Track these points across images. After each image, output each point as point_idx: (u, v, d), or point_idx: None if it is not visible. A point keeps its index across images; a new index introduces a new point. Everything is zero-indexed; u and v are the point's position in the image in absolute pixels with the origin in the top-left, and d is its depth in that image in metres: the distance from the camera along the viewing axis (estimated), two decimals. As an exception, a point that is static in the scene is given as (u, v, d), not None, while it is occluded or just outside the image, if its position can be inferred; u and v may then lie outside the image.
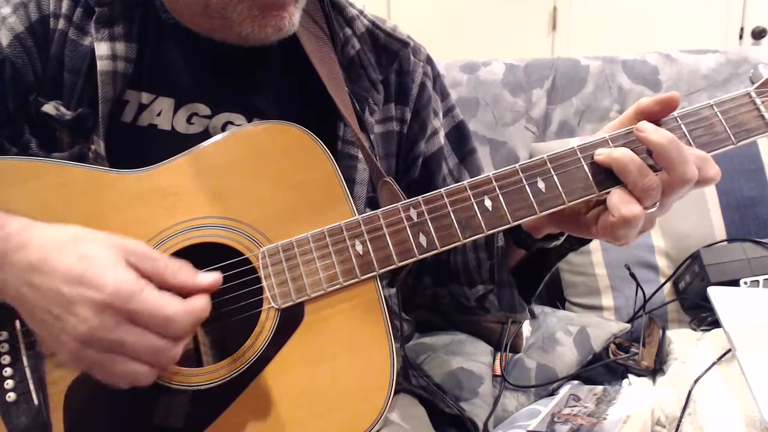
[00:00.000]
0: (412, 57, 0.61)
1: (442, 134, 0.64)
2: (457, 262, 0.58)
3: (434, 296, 0.64)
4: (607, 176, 0.44)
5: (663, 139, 0.41)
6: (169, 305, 0.37)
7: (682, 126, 0.44)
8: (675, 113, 0.45)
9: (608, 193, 0.44)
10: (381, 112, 0.59)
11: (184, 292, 0.39)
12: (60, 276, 0.37)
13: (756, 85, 0.45)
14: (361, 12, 0.60)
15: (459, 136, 0.65)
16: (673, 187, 0.42)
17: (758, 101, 0.44)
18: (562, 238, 0.51)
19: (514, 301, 0.54)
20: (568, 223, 0.48)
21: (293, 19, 0.51)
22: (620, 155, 0.43)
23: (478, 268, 0.55)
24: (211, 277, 0.40)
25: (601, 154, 0.44)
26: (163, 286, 0.39)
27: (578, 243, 0.52)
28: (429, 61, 0.63)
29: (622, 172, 0.42)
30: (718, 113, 0.44)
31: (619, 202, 0.42)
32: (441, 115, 0.64)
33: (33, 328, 0.40)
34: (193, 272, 0.41)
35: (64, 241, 0.39)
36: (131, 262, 0.39)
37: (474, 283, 0.57)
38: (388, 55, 0.59)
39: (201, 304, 0.39)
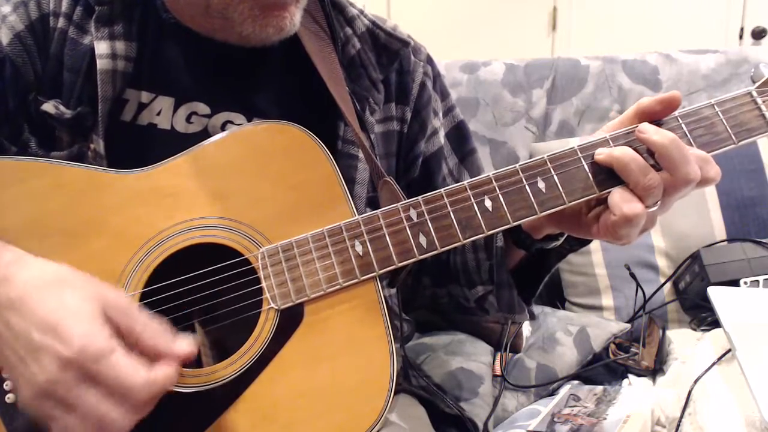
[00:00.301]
0: (412, 56, 0.61)
1: (442, 134, 0.63)
2: (456, 263, 0.58)
3: (433, 296, 0.64)
4: (607, 176, 0.44)
5: (665, 140, 0.41)
6: (133, 374, 0.36)
7: (683, 126, 0.44)
8: (676, 113, 0.45)
9: (609, 192, 0.43)
10: (381, 111, 0.59)
11: (156, 357, 0.38)
12: (34, 320, 0.36)
13: (757, 84, 0.45)
14: (361, 11, 0.60)
15: (459, 136, 0.65)
16: (676, 187, 0.42)
17: (759, 101, 0.44)
18: (562, 239, 0.51)
19: (513, 302, 0.53)
20: (568, 224, 0.48)
21: (294, 19, 0.50)
22: (621, 154, 0.42)
23: (478, 268, 0.55)
24: (185, 347, 0.39)
25: (602, 154, 0.44)
26: (137, 347, 0.38)
27: (578, 244, 0.52)
28: (429, 60, 0.63)
29: (623, 171, 0.42)
30: (719, 113, 0.44)
31: (621, 200, 0.42)
32: (441, 114, 0.64)
33: (1, 363, 0.39)
34: (168, 337, 0.39)
35: (48, 283, 0.38)
36: (109, 316, 0.37)
37: (473, 284, 0.57)
38: (388, 55, 0.59)
39: (166, 374, 0.37)
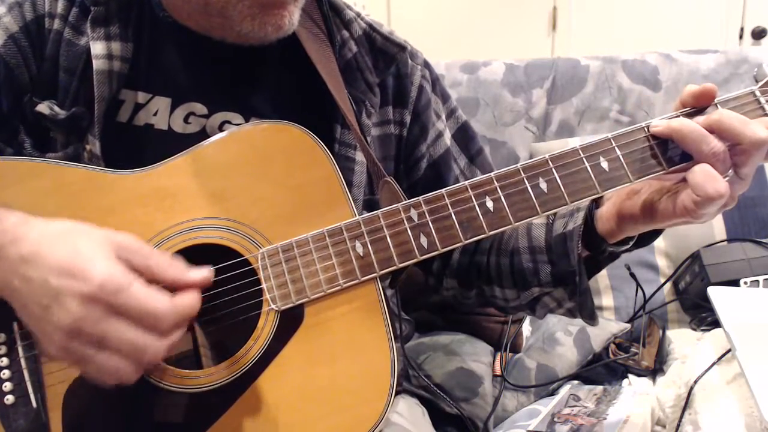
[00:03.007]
0: (409, 60, 0.61)
1: (447, 136, 0.63)
2: (500, 265, 0.57)
3: (457, 297, 0.64)
4: (609, 176, 0.44)
5: (717, 116, 0.41)
6: (157, 300, 0.37)
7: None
8: (676, 113, 0.45)
9: (606, 194, 0.44)
10: (378, 115, 0.59)
11: (175, 288, 0.39)
12: (50, 268, 0.37)
13: (760, 83, 0.45)
14: (359, 14, 0.60)
15: (465, 136, 0.65)
16: (749, 153, 0.41)
17: (762, 100, 0.44)
18: (632, 243, 0.50)
19: (594, 309, 0.52)
20: (643, 219, 0.46)
21: (293, 18, 0.50)
22: (679, 125, 0.42)
23: (535, 271, 0.53)
24: (201, 273, 0.40)
25: (659, 126, 0.43)
26: (153, 281, 0.38)
27: (635, 245, 0.51)
28: (426, 64, 0.63)
29: (683, 141, 0.42)
30: (722, 112, 0.44)
31: (703, 178, 0.40)
32: (444, 117, 0.64)
33: (25, 322, 0.40)
34: (183, 268, 0.40)
35: (57, 235, 0.39)
36: (122, 257, 0.38)
37: (528, 286, 0.55)
38: (385, 59, 0.59)
39: (189, 300, 0.39)
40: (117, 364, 0.37)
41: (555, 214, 0.53)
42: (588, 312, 0.52)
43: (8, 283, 0.39)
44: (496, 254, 0.57)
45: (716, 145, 0.41)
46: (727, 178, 0.42)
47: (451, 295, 0.64)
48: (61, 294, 0.36)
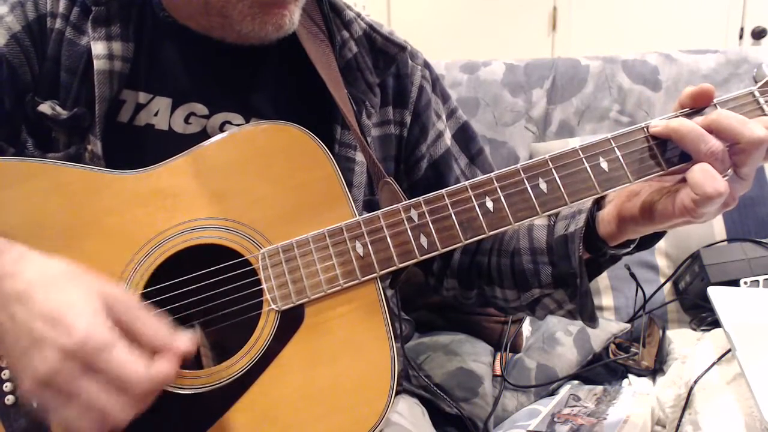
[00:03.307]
0: (410, 60, 0.61)
1: (447, 136, 0.63)
2: (500, 265, 0.57)
3: (457, 297, 0.64)
4: (608, 177, 0.44)
5: (715, 116, 0.42)
6: (134, 367, 0.36)
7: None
8: (675, 113, 0.45)
9: (608, 193, 0.44)
10: (378, 115, 0.59)
11: (156, 352, 0.38)
12: (37, 312, 0.37)
13: (759, 84, 0.45)
14: (359, 15, 0.60)
15: (465, 136, 0.65)
16: (747, 152, 0.41)
17: (761, 100, 0.44)
18: (633, 246, 0.50)
19: (594, 311, 0.52)
20: (643, 220, 0.46)
21: (293, 17, 0.50)
22: (678, 125, 0.42)
23: (536, 272, 0.53)
24: (186, 341, 0.39)
25: (658, 126, 0.43)
26: (137, 342, 0.38)
27: (636, 248, 0.51)
28: (427, 65, 0.63)
29: (682, 141, 0.42)
30: (722, 112, 0.44)
31: (702, 177, 0.40)
32: (444, 117, 0.64)
33: (3, 354, 0.40)
34: (168, 333, 0.39)
35: (52, 278, 0.39)
36: (111, 311, 0.38)
37: (528, 287, 0.55)
38: (385, 59, 0.59)
39: (166, 370, 0.38)
40: (80, 423, 0.36)
41: (557, 215, 0.52)
42: (588, 314, 0.52)
43: None
44: (497, 255, 0.57)
45: (714, 144, 0.41)
46: (726, 178, 0.42)
47: (452, 295, 0.64)
48: (43, 341, 0.36)
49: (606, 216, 0.48)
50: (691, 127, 0.42)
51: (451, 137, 0.64)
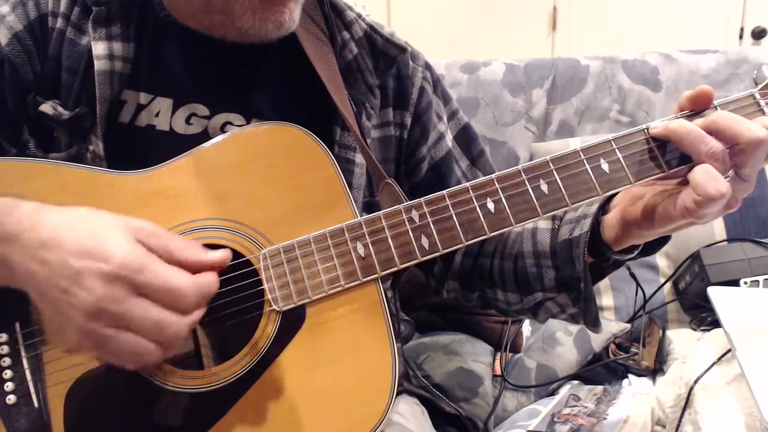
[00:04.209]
0: (410, 62, 0.61)
1: (449, 137, 0.63)
2: (503, 268, 0.57)
3: (459, 299, 0.64)
4: (609, 178, 0.44)
5: (714, 117, 0.42)
6: (178, 278, 0.37)
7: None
8: (678, 114, 0.45)
9: (613, 193, 0.43)
10: (378, 116, 0.59)
11: (192, 269, 0.39)
12: (69, 250, 0.37)
13: (760, 86, 0.45)
14: (359, 15, 0.60)
15: (467, 138, 0.65)
16: (747, 152, 0.41)
17: (762, 102, 0.44)
18: (637, 251, 0.50)
19: (598, 316, 0.52)
20: (646, 224, 0.46)
21: (294, 15, 0.50)
22: (677, 126, 0.42)
23: (539, 276, 0.53)
24: (219, 254, 0.40)
25: (657, 127, 0.44)
26: (171, 262, 0.39)
27: (641, 253, 0.51)
28: (428, 66, 0.63)
29: (681, 142, 0.42)
30: (722, 114, 0.44)
31: (705, 178, 0.40)
32: (446, 118, 0.64)
33: (42, 308, 0.40)
34: (200, 249, 0.40)
35: (75, 219, 0.39)
36: (140, 239, 0.38)
37: (531, 291, 0.54)
38: (385, 60, 0.59)
39: (209, 278, 0.39)
40: (140, 344, 0.37)
41: (561, 219, 0.52)
42: (592, 319, 0.52)
43: (26, 269, 0.38)
44: (500, 258, 0.57)
45: (714, 145, 0.41)
46: (728, 179, 0.42)
47: (453, 297, 0.64)
48: (82, 274, 0.36)
49: (610, 220, 0.48)
50: (690, 128, 0.42)
51: (452, 139, 0.64)
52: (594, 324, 0.52)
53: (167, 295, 0.37)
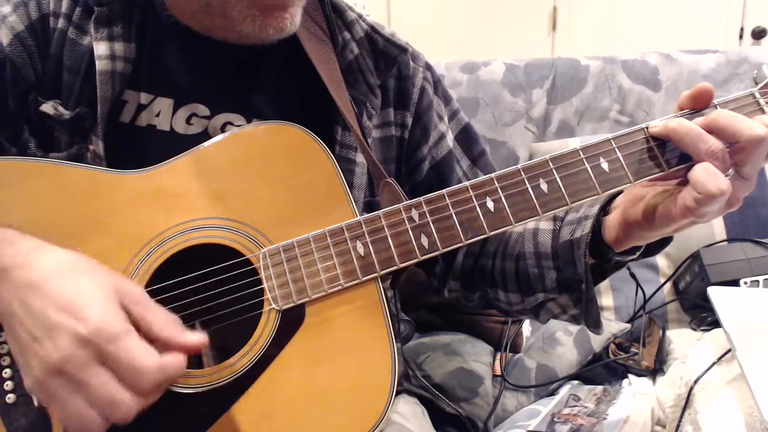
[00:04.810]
0: (411, 62, 0.61)
1: (449, 137, 0.63)
2: (505, 269, 0.57)
3: (459, 299, 0.64)
4: (609, 177, 0.44)
5: (714, 115, 0.42)
6: (145, 358, 0.36)
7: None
8: (675, 114, 0.45)
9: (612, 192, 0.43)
10: (379, 117, 0.59)
11: (167, 347, 0.39)
12: (52, 301, 0.37)
13: (760, 85, 0.45)
14: (360, 16, 0.60)
15: (468, 138, 0.65)
16: (747, 150, 0.41)
17: (762, 101, 0.44)
18: (638, 253, 0.50)
19: (599, 317, 0.52)
20: (647, 224, 0.45)
21: (295, 19, 0.50)
22: (677, 125, 0.42)
23: (541, 277, 0.53)
24: (196, 338, 0.39)
25: (657, 126, 0.43)
26: (148, 335, 0.38)
27: (641, 255, 0.51)
28: (428, 67, 0.63)
29: (680, 142, 0.42)
30: (722, 113, 0.44)
31: (705, 176, 0.40)
32: (446, 118, 0.64)
33: (10, 346, 0.40)
34: (179, 328, 0.40)
35: (66, 270, 0.39)
36: (124, 304, 0.38)
37: (532, 291, 0.54)
38: (386, 61, 0.59)
39: (175, 362, 0.38)
40: (87, 413, 0.36)
41: (562, 220, 0.52)
42: (593, 320, 0.51)
43: (7, 305, 0.38)
44: (501, 258, 0.57)
45: (714, 143, 0.41)
46: (728, 177, 0.41)
47: (454, 297, 0.64)
48: (57, 329, 0.36)
49: (612, 221, 0.48)
50: (690, 127, 0.42)
51: (453, 139, 0.64)
52: (595, 325, 0.52)
53: (129, 373, 0.36)
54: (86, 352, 0.36)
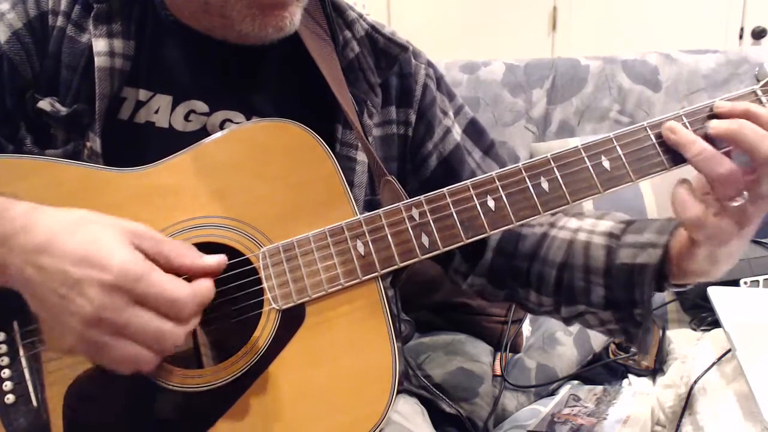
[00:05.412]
0: (413, 59, 0.61)
1: (457, 131, 0.63)
2: (543, 273, 0.55)
3: (481, 292, 0.62)
4: (610, 176, 0.44)
5: (732, 123, 0.41)
6: (176, 287, 0.37)
7: (687, 125, 0.44)
8: (680, 111, 0.44)
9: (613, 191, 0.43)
10: (379, 115, 0.59)
11: (189, 274, 0.40)
12: (67, 257, 0.37)
13: (762, 83, 0.45)
14: (361, 15, 0.60)
15: (476, 130, 0.64)
16: (763, 170, 0.40)
17: (764, 99, 0.44)
18: (690, 286, 0.49)
19: (650, 345, 0.51)
20: (695, 251, 0.44)
21: (294, 19, 0.50)
22: (687, 140, 0.42)
23: (587, 291, 0.52)
24: (215, 259, 0.41)
25: (670, 138, 0.43)
26: (168, 268, 0.39)
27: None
28: (430, 64, 0.63)
29: (685, 152, 0.42)
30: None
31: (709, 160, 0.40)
32: (452, 113, 0.64)
33: (37, 312, 0.39)
34: (197, 254, 0.41)
35: (70, 222, 0.39)
36: (136, 245, 0.38)
37: (574, 302, 0.54)
38: (387, 59, 0.59)
39: (206, 286, 0.39)
40: (137, 352, 0.37)
41: (618, 238, 0.51)
42: (645, 348, 0.51)
43: (20, 272, 0.38)
44: (541, 263, 0.56)
45: (726, 166, 0.40)
46: (737, 203, 0.41)
47: (476, 290, 0.63)
48: (81, 283, 0.36)
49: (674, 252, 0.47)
50: (701, 147, 0.41)
51: (462, 132, 0.63)
52: (647, 352, 0.52)
53: (165, 305, 0.37)
54: (118, 296, 0.36)
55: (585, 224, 0.55)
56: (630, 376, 0.85)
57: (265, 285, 0.45)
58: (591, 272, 0.52)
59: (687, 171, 0.44)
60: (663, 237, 0.48)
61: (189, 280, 0.40)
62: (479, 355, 0.86)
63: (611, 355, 0.88)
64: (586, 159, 0.44)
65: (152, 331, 0.37)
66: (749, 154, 0.41)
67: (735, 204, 0.41)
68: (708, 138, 0.42)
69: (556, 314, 0.57)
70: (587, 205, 0.88)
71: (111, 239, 0.38)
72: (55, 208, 0.40)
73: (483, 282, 0.61)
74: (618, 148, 0.44)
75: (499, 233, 0.58)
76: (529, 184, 0.44)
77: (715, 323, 0.79)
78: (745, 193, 0.41)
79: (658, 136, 0.44)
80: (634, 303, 0.49)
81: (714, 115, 0.43)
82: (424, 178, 0.62)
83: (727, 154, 0.42)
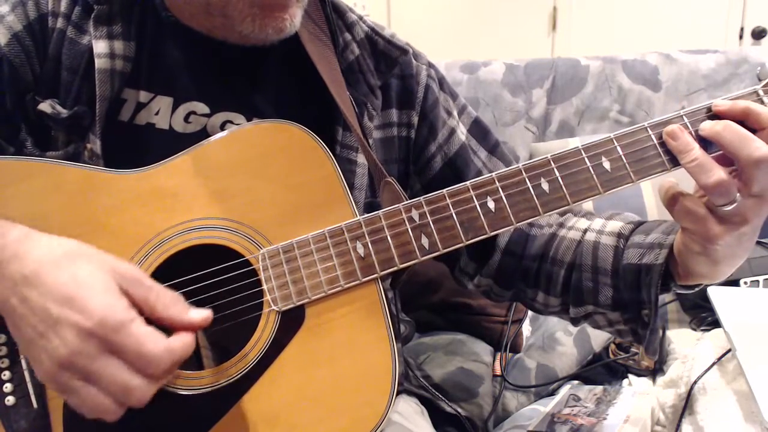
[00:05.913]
0: (414, 61, 0.61)
1: (461, 131, 0.63)
2: (552, 273, 0.55)
3: (487, 292, 0.62)
4: (611, 177, 0.44)
5: (716, 125, 0.41)
6: (153, 344, 0.36)
7: (689, 125, 0.44)
8: (681, 112, 0.44)
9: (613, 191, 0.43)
10: (380, 117, 0.59)
11: (171, 328, 0.38)
12: (51, 293, 0.36)
13: (764, 83, 0.45)
14: (361, 17, 0.60)
15: (480, 129, 0.64)
16: (748, 172, 0.40)
17: (765, 99, 0.44)
18: (698, 288, 0.49)
19: (658, 346, 0.52)
20: (694, 249, 0.44)
21: (294, 20, 0.50)
22: (682, 144, 0.42)
23: (595, 291, 0.52)
24: (201, 315, 0.39)
25: (671, 143, 0.43)
26: (152, 317, 0.38)
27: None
28: (431, 65, 0.63)
29: (681, 157, 0.42)
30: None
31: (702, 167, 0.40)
32: (456, 113, 0.63)
33: (16, 340, 0.39)
34: (184, 307, 0.39)
35: (60, 257, 0.38)
36: (124, 289, 0.38)
37: (582, 303, 0.54)
38: (387, 62, 0.59)
39: (185, 342, 0.38)
40: (102, 401, 0.36)
41: (626, 238, 0.51)
42: (653, 349, 0.50)
43: (5, 300, 0.38)
44: (550, 263, 0.56)
45: (716, 174, 0.40)
46: (728, 208, 0.41)
47: (482, 290, 0.63)
48: (60, 323, 0.36)
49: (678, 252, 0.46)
50: (695, 154, 0.41)
51: (466, 132, 0.63)
52: (654, 353, 0.51)
53: (138, 360, 0.36)
54: (93, 344, 0.36)
55: (594, 224, 0.54)
56: (630, 376, 0.86)
57: (264, 287, 0.45)
58: (599, 273, 0.52)
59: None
60: (669, 237, 0.47)
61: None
62: (479, 355, 0.86)
63: (611, 355, 0.88)
64: (586, 159, 0.44)
65: (120, 384, 0.36)
66: (732, 156, 0.41)
67: (727, 209, 0.41)
68: (702, 139, 0.43)
69: (564, 315, 0.57)
70: (587, 205, 0.88)
71: (98, 281, 0.37)
72: (49, 236, 0.40)
73: (490, 282, 0.61)
74: (618, 148, 0.44)
75: (507, 235, 0.58)
76: (529, 184, 0.44)
77: (715, 323, 0.79)
78: (737, 195, 0.41)
79: (659, 136, 0.44)
80: (641, 304, 0.49)
81: (714, 115, 0.43)
82: (428, 180, 0.61)
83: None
